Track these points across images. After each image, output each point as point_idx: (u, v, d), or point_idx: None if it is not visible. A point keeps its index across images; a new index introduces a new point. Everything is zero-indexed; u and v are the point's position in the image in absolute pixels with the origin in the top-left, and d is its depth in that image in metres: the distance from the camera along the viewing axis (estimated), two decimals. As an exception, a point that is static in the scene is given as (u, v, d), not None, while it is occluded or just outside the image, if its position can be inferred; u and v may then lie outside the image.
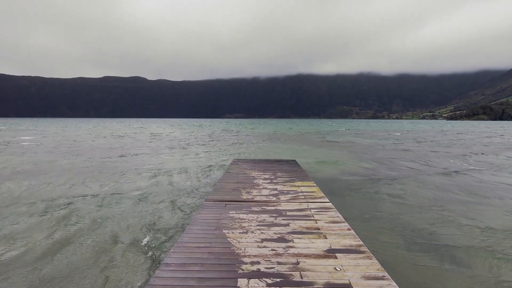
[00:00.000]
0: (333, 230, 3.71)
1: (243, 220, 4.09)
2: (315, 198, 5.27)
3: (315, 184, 6.44)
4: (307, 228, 3.80)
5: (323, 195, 5.47)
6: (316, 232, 3.66)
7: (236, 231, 3.70)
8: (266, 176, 7.34)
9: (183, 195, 7.76)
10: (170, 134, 38.08)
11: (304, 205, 4.82)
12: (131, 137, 30.45)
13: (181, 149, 19.75)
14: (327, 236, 3.53)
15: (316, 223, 3.99)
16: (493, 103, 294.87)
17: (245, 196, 5.38)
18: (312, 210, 4.53)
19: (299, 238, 3.47)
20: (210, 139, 28.95)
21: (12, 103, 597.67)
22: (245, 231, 3.70)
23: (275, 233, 3.62)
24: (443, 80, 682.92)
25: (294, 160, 10.47)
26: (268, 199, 5.17)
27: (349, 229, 3.75)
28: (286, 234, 3.60)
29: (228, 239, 3.46)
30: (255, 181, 6.79)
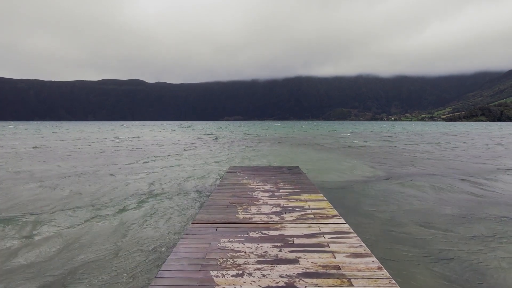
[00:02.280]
0: (359, 270, 2.76)
1: (238, 254, 3.13)
2: (327, 217, 4.31)
3: (325, 198, 5.48)
4: (323, 266, 2.84)
5: (336, 213, 4.52)
6: (336, 273, 2.70)
7: (229, 272, 2.74)
8: (267, 187, 6.38)
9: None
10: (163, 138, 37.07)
11: (315, 228, 3.86)
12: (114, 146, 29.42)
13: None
14: (352, 281, 2.58)
15: (334, 257, 3.03)
16: (492, 104, 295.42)
17: (241, 215, 4.42)
18: (326, 236, 3.57)
19: (315, 286, 2.51)
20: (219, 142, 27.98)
21: (10, 106, 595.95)
22: (241, 272, 2.74)
23: (281, 276, 2.66)
24: (441, 82, 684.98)
25: (297, 167, 9.51)
26: (269, 220, 4.21)
27: (380, 268, 2.79)
28: (296, 277, 2.64)
29: (216, 287, 2.50)
30: (254, 193, 5.83)
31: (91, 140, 28.70)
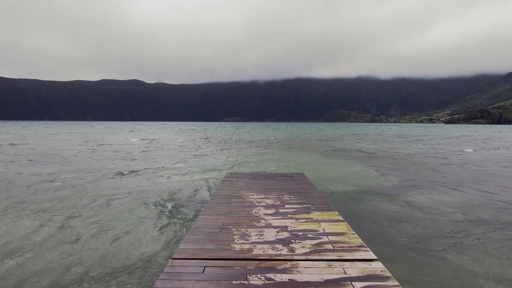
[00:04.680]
0: None
1: (231, 320, 2.12)
2: (351, 248, 3.29)
3: (341, 217, 4.47)
4: None
5: (360, 241, 3.50)
6: None
7: None
8: (269, 201, 5.36)
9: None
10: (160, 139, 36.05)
11: (338, 268, 2.85)
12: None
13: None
14: None
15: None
16: (491, 107, 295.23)
17: (238, 245, 3.40)
18: (356, 285, 2.56)
19: None
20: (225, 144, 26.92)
21: (9, 105, 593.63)
22: None
23: None
24: (441, 84, 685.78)
25: (302, 174, 8.50)
26: (275, 253, 3.19)
27: None
28: None
29: None
30: (254, 210, 4.81)
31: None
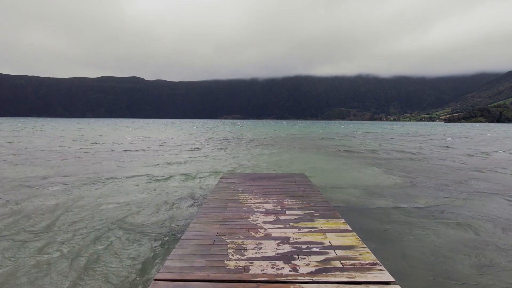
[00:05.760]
0: None
1: None
2: (363, 267, 2.84)
3: (348, 225, 4.02)
4: None
5: (373, 258, 3.04)
6: None
7: None
8: (269, 206, 4.91)
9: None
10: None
11: (350, 293, 2.41)
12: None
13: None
14: None
15: None
16: (491, 105, 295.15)
17: (233, 261, 2.95)
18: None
19: None
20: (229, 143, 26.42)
21: (8, 102, 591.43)
22: None
23: None
24: (440, 83, 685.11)
25: (303, 174, 8.04)
26: (275, 272, 2.74)
27: None
28: None
29: None
30: (252, 217, 4.35)
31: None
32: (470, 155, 17.94)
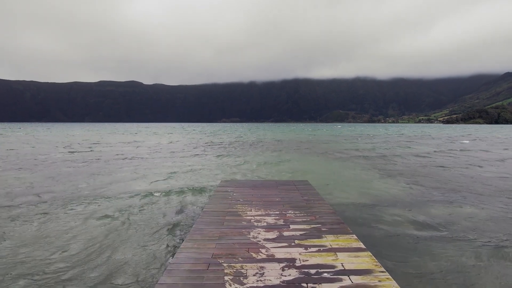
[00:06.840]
0: None
1: None
2: (384, 299, 2.39)
3: (361, 243, 3.56)
4: None
5: (396, 286, 2.59)
6: None
7: None
8: (271, 220, 4.44)
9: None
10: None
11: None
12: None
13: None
14: None
15: None
16: (489, 106, 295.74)
17: (230, 294, 2.49)
18: None
19: None
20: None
21: (7, 107, 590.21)
22: None
23: None
24: (438, 84, 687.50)
25: (306, 181, 7.59)
26: (281, 308, 2.28)
27: None
28: None
29: None
30: (252, 233, 3.89)
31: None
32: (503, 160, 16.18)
